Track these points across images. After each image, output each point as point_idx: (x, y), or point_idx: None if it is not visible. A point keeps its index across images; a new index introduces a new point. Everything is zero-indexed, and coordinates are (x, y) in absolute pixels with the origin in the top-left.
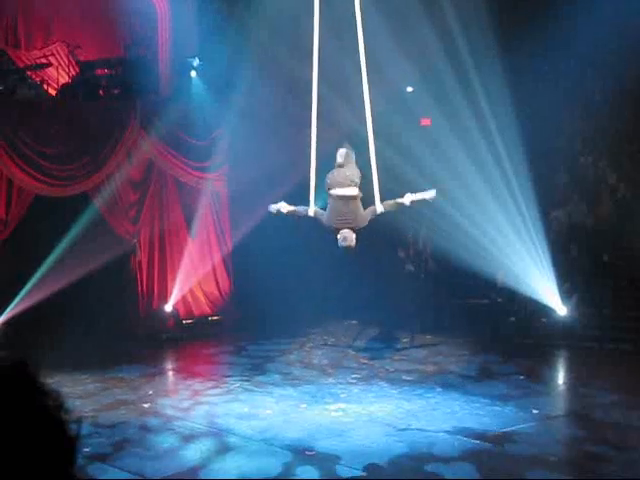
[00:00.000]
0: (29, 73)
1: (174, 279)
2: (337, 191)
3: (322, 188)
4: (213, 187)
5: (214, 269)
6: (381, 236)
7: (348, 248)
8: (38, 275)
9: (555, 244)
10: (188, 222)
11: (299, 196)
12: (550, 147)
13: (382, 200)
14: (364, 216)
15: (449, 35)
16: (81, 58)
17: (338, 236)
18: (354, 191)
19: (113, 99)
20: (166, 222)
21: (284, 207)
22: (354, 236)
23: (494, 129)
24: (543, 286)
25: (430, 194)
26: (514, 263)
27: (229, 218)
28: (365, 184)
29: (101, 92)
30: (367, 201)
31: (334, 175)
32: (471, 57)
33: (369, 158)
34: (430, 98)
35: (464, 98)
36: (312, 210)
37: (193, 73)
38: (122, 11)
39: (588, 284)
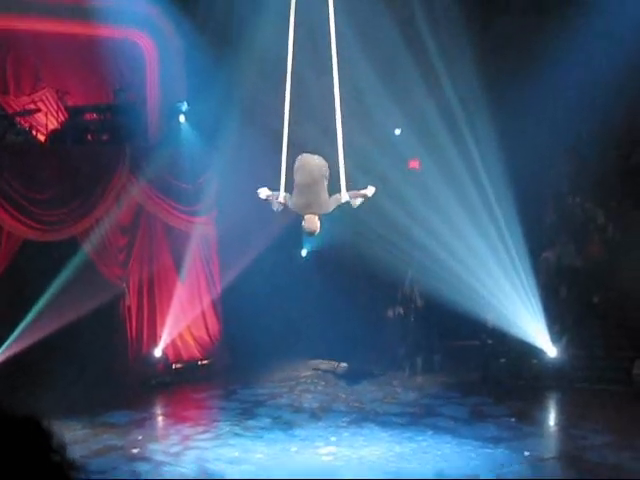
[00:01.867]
0: (18, 119)
1: (163, 323)
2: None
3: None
4: (202, 231)
5: (203, 313)
6: (372, 278)
7: (311, 233)
8: (27, 320)
9: (544, 285)
10: (177, 266)
11: (289, 239)
12: (538, 188)
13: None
14: (328, 203)
15: (436, 78)
16: (70, 104)
17: (302, 222)
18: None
19: (102, 144)
20: (155, 266)
21: (263, 192)
22: (318, 222)
23: (482, 170)
24: (533, 327)
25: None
26: (504, 304)
27: (218, 261)
28: (333, 172)
29: (90, 137)
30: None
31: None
32: (458, 99)
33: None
34: (418, 140)
35: (452, 140)
36: (282, 196)
37: (182, 118)
38: (110, 56)
39: (578, 325)
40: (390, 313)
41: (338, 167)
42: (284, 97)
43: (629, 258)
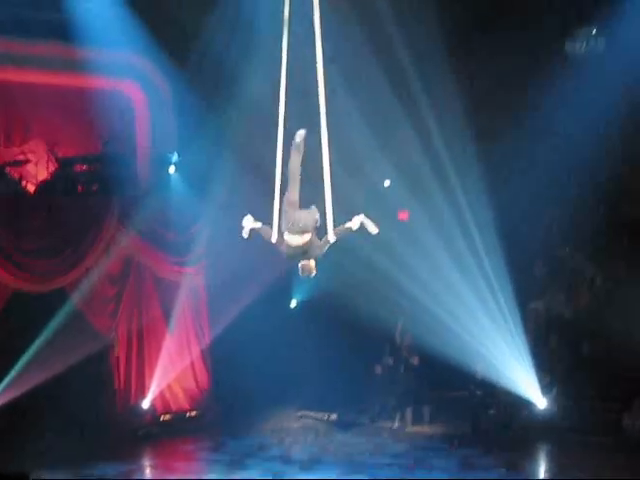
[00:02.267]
0: (8, 170)
1: (152, 374)
2: (289, 237)
3: None
4: (192, 281)
5: (192, 364)
6: (361, 329)
7: (308, 275)
8: (15, 370)
9: (534, 335)
10: (166, 317)
11: (279, 289)
12: (527, 239)
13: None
14: (320, 246)
15: (426, 130)
16: (60, 154)
17: (299, 266)
18: (306, 238)
19: (92, 195)
20: (144, 317)
21: (247, 222)
22: (313, 264)
23: (471, 221)
24: (522, 378)
25: (375, 229)
26: (493, 355)
27: (208, 312)
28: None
29: (80, 188)
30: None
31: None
32: (447, 151)
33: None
34: (407, 192)
35: (441, 191)
36: (275, 237)
37: (172, 168)
38: (100, 107)
39: (568, 376)
40: (378, 369)
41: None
42: (275, 146)
43: (618, 308)
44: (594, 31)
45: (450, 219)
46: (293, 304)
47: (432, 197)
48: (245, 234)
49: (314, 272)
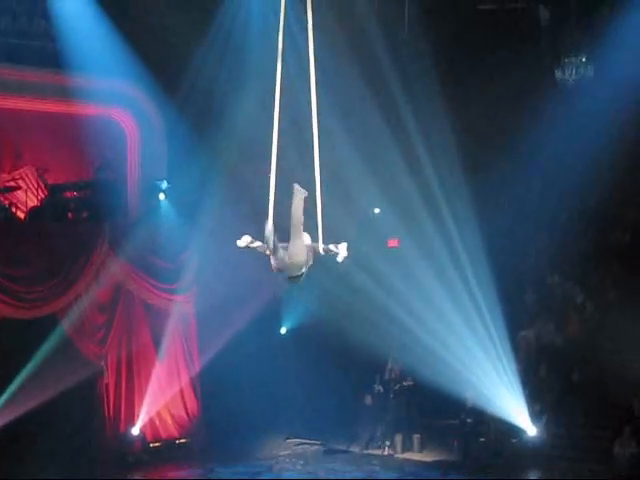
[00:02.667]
0: None
1: (141, 402)
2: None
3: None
4: (181, 308)
5: (182, 391)
6: (351, 356)
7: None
8: (5, 397)
9: (524, 363)
10: (156, 344)
11: (269, 316)
12: (517, 267)
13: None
14: (308, 258)
15: (416, 158)
16: (50, 181)
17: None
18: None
19: (82, 222)
20: (134, 344)
21: (244, 240)
22: (303, 273)
23: (461, 249)
24: (513, 406)
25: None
26: (483, 383)
27: (197, 339)
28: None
29: (70, 215)
30: None
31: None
32: (437, 179)
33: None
34: (397, 219)
35: (431, 219)
36: (268, 252)
37: (162, 196)
38: (91, 134)
39: (558, 404)
40: (368, 400)
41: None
42: (264, 174)
43: (608, 336)
44: (583, 59)
45: (440, 247)
46: (283, 331)
47: (422, 225)
48: (242, 243)
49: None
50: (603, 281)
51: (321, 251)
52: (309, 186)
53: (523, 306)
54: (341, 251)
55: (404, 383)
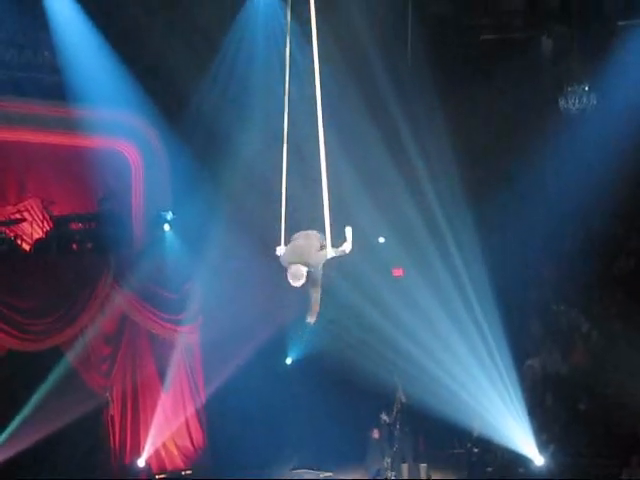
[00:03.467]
0: (3, 228)
1: (147, 433)
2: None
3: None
4: (186, 339)
5: (187, 422)
6: (357, 386)
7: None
8: (10, 429)
9: (530, 393)
10: (161, 375)
11: (274, 346)
12: (522, 296)
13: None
14: (319, 256)
15: (420, 187)
16: (55, 213)
17: (288, 273)
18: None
19: (87, 253)
20: (139, 375)
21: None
22: (304, 272)
23: (466, 278)
24: (519, 435)
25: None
26: (490, 412)
27: (202, 370)
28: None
29: (75, 246)
30: None
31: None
32: (441, 208)
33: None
34: (402, 248)
35: (435, 248)
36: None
37: (166, 226)
38: (96, 166)
39: (565, 432)
40: (376, 434)
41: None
42: (269, 204)
43: (614, 365)
44: (586, 88)
45: (445, 276)
46: (288, 361)
47: (427, 254)
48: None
49: (302, 280)
50: (608, 309)
51: (332, 252)
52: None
53: (528, 335)
54: (348, 237)
55: (403, 411)
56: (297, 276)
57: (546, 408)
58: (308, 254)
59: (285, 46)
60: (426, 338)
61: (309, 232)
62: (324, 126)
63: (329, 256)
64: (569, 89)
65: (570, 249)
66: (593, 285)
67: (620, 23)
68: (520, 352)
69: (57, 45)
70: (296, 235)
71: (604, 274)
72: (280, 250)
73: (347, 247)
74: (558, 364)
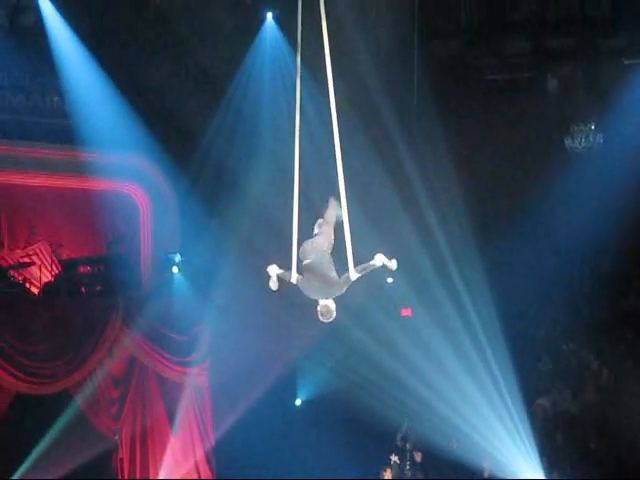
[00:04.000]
0: (12, 272)
1: (156, 476)
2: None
3: None
4: (195, 382)
5: (197, 465)
6: (366, 428)
7: (328, 318)
8: (19, 473)
9: (541, 432)
10: (170, 417)
11: (284, 388)
12: (531, 335)
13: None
14: (340, 284)
15: (427, 227)
16: (64, 256)
17: (317, 310)
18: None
19: (95, 296)
20: (148, 418)
21: (273, 270)
22: (333, 306)
23: (474, 317)
24: (530, 475)
25: (394, 264)
26: (500, 452)
27: (211, 412)
28: (338, 250)
29: (83, 290)
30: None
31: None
32: (449, 247)
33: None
34: (410, 289)
35: (444, 288)
36: (294, 277)
37: (175, 269)
38: (104, 209)
39: (575, 471)
40: (386, 475)
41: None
42: (277, 245)
43: (624, 403)
44: (593, 127)
45: (454, 315)
46: (298, 403)
47: (435, 294)
48: (273, 284)
49: (334, 315)
50: (617, 347)
51: (354, 274)
52: None
53: (538, 374)
54: (377, 262)
55: (414, 458)
56: (328, 313)
57: (557, 447)
58: (331, 289)
59: (295, 91)
60: (435, 378)
61: (319, 261)
62: (334, 166)
63: (353, 279)
64: (575, 128)
65: (579, 287)
66: (602, 323)
67: (626, 62)
68: (530, 391)
69: (65, 89)
70: (306, 262)
71: (613, 312)
72: (273, 270)
73: (376, 261)
74: (568, 403)
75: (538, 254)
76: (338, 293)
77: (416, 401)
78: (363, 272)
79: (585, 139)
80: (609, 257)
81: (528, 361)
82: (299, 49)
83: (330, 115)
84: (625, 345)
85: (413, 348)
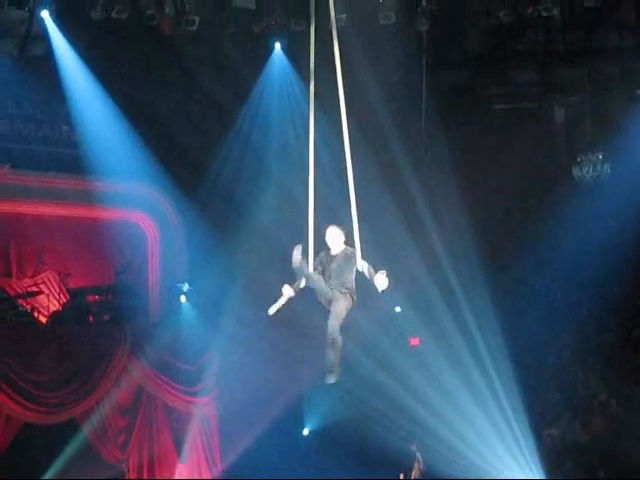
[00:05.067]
0: (20, 301)
1: None
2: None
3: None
4: (203, 411)
5: None
6: (374, 458)
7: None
8: None
9: (549, 462)
10: (178, 447)
11: (291, 417)
12: (539, 364)
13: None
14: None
15: (435, 257)
16: (72, 285)
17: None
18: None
19: (103, 325)
20: (155, 447)
21: (297, 253)
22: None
23: (483, 347)
24: None
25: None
26: None
27: (219, 442)
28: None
29: (91, 318)
30: None
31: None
32: (457, 277)
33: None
34: (418, 318)
35: (452, 316)
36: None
37: (183, 298)
38: (112, 238)
39: None
40: None
41: None
42: (285, 275)
43: (633, 433)
44: (600, 156)
45: (462, 344)
46: (305, 433)
47: (443, 323)
48: (297, 261)
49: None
50: (627, 377)
51: (361, 265)
52: None
53: (547, 404)
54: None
55: None
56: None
57: (566, 477)
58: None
59: (304, 121)
60: (443, 407)
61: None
62: (341, 195)
63: (359, 268)
64: (583, 158)
65: (587, 316)
66: (612, 353)
67: (637, 92)
68: (538, 421)
69: (75, 119)
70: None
71: (622, 342)
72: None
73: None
74: (577, 433)
75: (546, 283)
76: (349, 283)
77: (424, 430)
78: (365, 270)
79: (593, 169)
80: (618, 285)
81: (536, 391)
82: (312, 81)
83: (341, 146)
84: (634, 374)
85: (421, 377)
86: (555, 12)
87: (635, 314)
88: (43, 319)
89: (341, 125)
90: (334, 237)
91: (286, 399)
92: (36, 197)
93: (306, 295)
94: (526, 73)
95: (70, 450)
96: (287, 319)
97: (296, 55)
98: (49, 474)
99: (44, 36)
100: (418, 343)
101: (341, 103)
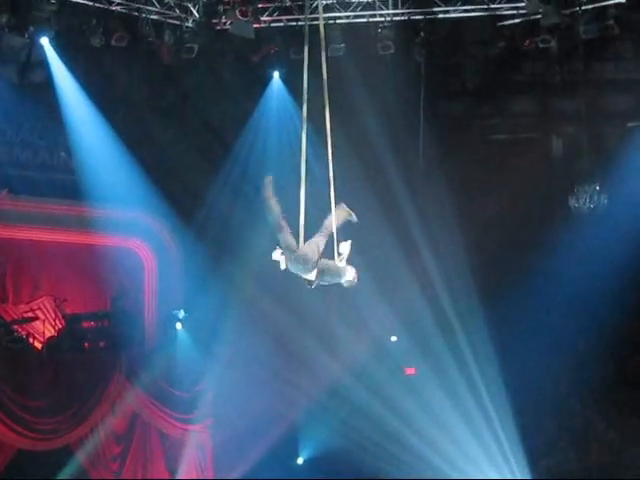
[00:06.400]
0: (15, 327)
1: None
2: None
3: None
4: (198, 438)
5: None
6: None
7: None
8: None
9: None
10: (172, 474)
11: (286, 446)
12: (536, 396)
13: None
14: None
15: (431, 286)
16: (68, 311)
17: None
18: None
19: (98, 351)
20: (150, 474)
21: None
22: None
23: (479, 378)
24: None
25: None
26: None
27: (213, 469)
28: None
29: (87, 345)
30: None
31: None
32: (453, 305)
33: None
34: (414, 347)
35: (448, 346)
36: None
37: (179, 325)
38: (109, 264)
39: None
40: None
41: None
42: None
43: (629, 464)
44: (597, 187)
45: (457, 374)
46: (300, 461)
47: (439, 353)
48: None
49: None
50: (623, 407)
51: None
52: None
53: (543, 434)
54: (343, 250)
55: None
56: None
57: None
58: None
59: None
60: (439, 438)
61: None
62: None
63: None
64: (579, 188)
65: (584, 347)
66: (608, 383)
67: (629, 124)
68: (534, 451)
69: (72, 146)
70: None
71: (619, 372)
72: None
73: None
74: (573, 463)
75: (543, 312)
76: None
77: (419, 461)
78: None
79: (589, 199)
80: (614, 315)
81: (532, 421)
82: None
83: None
84: (631, 405)
85: (416, 407)
86: (552, 44)
87: (632, 344)
88: (38, 345)
89: (342, 158)
90: None
91: (281, 427)
92: (33, 223)
93: (302, 322)
94: (523, 104)
95: (64, 477)
96: (283, 345)
97: (294, 84)
98: None
99: (44, 63)
100: (414, 373)
101: (327, 124)
